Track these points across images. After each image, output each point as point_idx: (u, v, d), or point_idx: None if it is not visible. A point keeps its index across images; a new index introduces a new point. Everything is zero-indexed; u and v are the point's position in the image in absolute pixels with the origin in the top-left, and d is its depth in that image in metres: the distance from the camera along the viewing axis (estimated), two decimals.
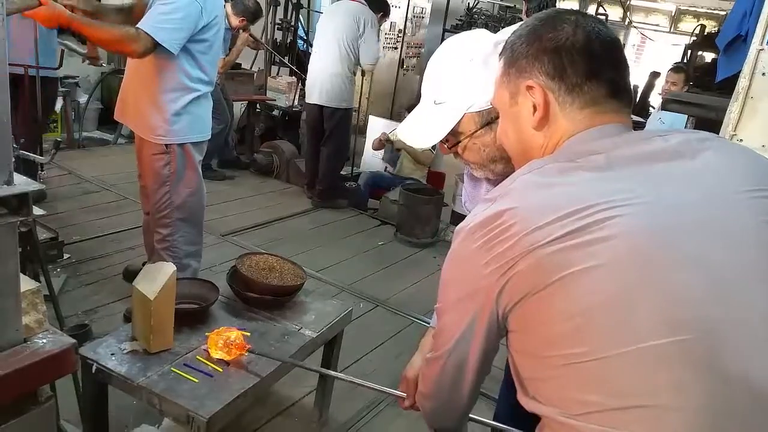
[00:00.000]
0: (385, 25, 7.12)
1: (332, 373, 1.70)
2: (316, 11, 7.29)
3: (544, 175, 0.77)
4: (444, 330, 0.86)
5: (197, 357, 1.54)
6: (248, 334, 1.62)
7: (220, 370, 1.48)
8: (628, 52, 10.78)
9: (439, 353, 0.88)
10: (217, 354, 1.50)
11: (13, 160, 1.03)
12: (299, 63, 6.04)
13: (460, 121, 1.07)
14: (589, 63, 0.82)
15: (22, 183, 1.02)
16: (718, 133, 2.37)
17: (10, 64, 0.95)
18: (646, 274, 0.68)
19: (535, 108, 0.85)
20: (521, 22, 0.92)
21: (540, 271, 0.70)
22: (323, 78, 4.27)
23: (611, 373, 0.67)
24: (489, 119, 1.07)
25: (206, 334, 1.55)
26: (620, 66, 0.85)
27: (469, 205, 1.35)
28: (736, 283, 0.69)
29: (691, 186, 0.75)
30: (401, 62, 7.36)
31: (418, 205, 4.04)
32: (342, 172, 4.88)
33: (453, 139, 1.10)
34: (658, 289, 0.67)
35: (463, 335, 0.82)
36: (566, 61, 0.82)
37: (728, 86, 2.59)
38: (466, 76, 1.05)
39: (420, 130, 1.11)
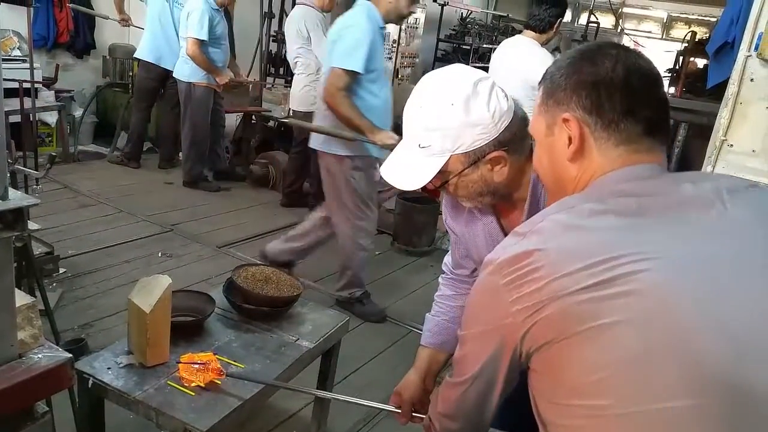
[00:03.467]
0: None
1: (315, 392, 1.70)
2: None
3: (575, 215, 0.77)
4: (466, 358, 0.87)
5: (168, 383, 1.46)
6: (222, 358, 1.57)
7: (219, 382, 1.48)
8: None
9: (460, 380, 0.89)
10: (191, 382, 1.45)
11: (8, 175, 1.04)
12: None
13: (446, 162, 1.07)
14: (627, 100, 0.82)
15: (17, 198, 1.02)
16: (709, 138, 2.39)
17: None
18: (671, 334, 0.67)
19: (570, 140, 0.85)
20: (563, 54, 0.92)
21: (567, 320, 0.71)
22: (295, 88, 4.45)
23: (632, 429, 0.67)
24: (476, 158, 1.07)
25: (177, 362, 1.49)
26: (659, 104, 0.84)
27: (450, 223, 1.35)
28: (764, 351, 0.67)
29: (723, 242, 0.74)
30: (396, 72, 7.39)
31: (415, 214, 4.05)
32: None
33: (440, 178, 1.10)
34: (683, 351, 0.67)
35: (486, 366, 0.83)
36: (604, 97, 0.82)
37: (719, 92, 2.62)
38: (448, 120, 1.05)
39: (406, 174, 1.11)
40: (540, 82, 0.91)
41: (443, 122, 1.05)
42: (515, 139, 1.08)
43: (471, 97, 1.04)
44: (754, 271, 0.71)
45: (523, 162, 1.12)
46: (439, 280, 1.53)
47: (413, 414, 1.32)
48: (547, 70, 0.91)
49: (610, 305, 0.68)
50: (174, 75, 4.63)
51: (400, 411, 1.33)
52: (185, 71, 4.51)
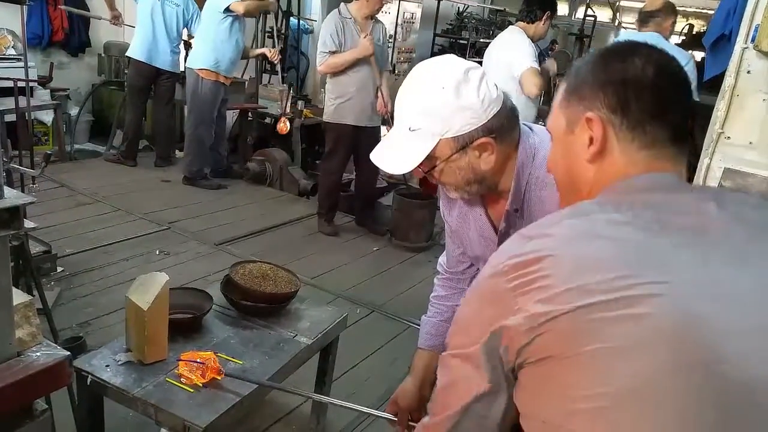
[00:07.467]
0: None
1: (313, 395, 1.71)
2: (306, 18, 7.32)
3: (591, 223, 0.71)
4: (453, 385, 0.76)
5: (167, 379, 1.46)
6: (223, 356, 1.57)
7: (219, 378, 1.48)
8: None
9: (440, 418, 0.78)
10: (191, 380, 1.45)
11: (4, 173, 1.04)
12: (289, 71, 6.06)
13: (435, 146, 1.09)
14: (655, 101, 0.77)
15: (12, 196, 1.02)
16: (706, 131, 2.39)
17: None
18: (680, 376, 0.62)
19: (591, 141, 0.80)
20: (590, 51, 0.91)
21: (572, 337, 0.65)
22: None
23: None
24: (464, 143, 1.08)
25: (176, 360, 1.50)
26: (686, 109, 0.80)
27: (446, 216, 1.36)
28: None
29: (744, 269, 0.68)
30: (393, 68, 7.39)
31: (412, 209, 4.05)
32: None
33: (428, 163, 1.11)
34: (689, 395, 0.62)
35: (482, 395, 0.73)
36: (631, 96, 0.77)
37: (716, 84, 2.62)
38: (438, 103, 1.07)
39: (395, 157, 1.12)
40: (564, 78, 0.88)
41: (433, 105, 1.07)
42: (503, 128, 1.10)
43: (462, 83, 1.06)
44: None
45: (510, 152, 1.14)
46: (434, 281, 1.54)
47: (409, 423, 1.33)
48: (573, 65, 0.88)
49: (618, 328, 0.63)
50: (186, 65, 4.64)
51: (396, 419, 1.35)
52: (197, 62, 4.53)
